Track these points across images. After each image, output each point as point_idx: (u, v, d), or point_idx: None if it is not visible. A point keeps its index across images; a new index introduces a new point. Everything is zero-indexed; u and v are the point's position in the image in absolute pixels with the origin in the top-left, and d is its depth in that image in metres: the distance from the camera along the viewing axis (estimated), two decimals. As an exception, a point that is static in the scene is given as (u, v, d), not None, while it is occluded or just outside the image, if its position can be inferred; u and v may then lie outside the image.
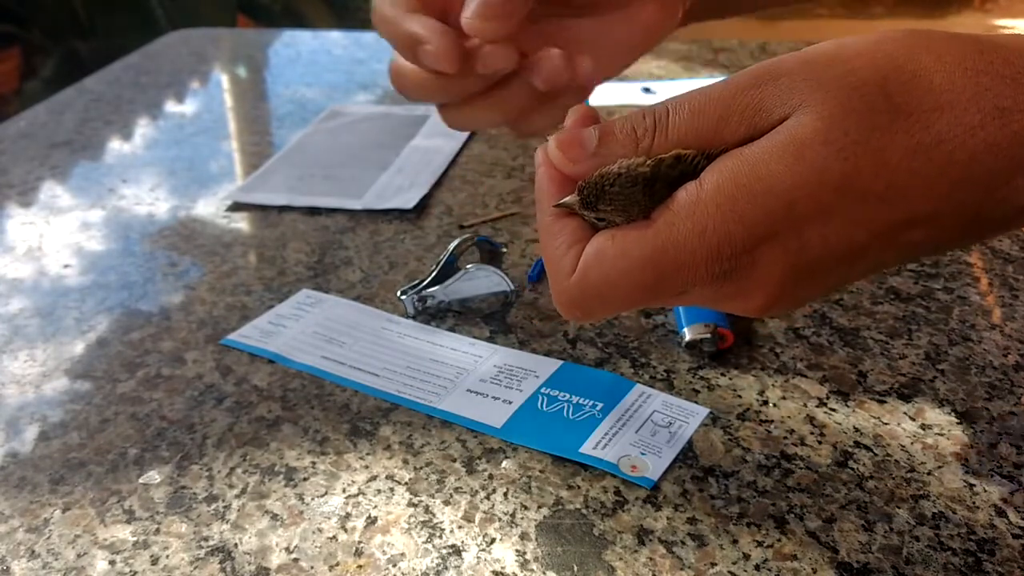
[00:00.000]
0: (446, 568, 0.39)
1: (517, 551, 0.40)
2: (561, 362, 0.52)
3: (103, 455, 0.47)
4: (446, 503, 0.43)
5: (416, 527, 0.41)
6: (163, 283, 0.63)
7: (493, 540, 0.40)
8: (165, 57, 1.17)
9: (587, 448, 0.45)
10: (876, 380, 0.50)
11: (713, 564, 0.39)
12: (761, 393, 0.49)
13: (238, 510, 0.43)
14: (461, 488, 0.43)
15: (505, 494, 0.43)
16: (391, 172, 0.78)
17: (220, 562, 0.40)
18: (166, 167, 0.83)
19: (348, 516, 0.42)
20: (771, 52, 1.06)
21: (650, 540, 0.40)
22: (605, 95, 0.93)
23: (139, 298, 0.61)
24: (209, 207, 0.74)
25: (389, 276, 0.62)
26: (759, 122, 0.31)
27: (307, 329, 0.56)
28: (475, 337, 0.55)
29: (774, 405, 0.48)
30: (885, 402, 0.48)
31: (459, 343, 0.54)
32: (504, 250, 0.62)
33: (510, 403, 0.49)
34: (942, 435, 0.46)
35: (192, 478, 0.45)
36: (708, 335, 0.52)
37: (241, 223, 0.72)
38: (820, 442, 0.46)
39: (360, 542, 0.41)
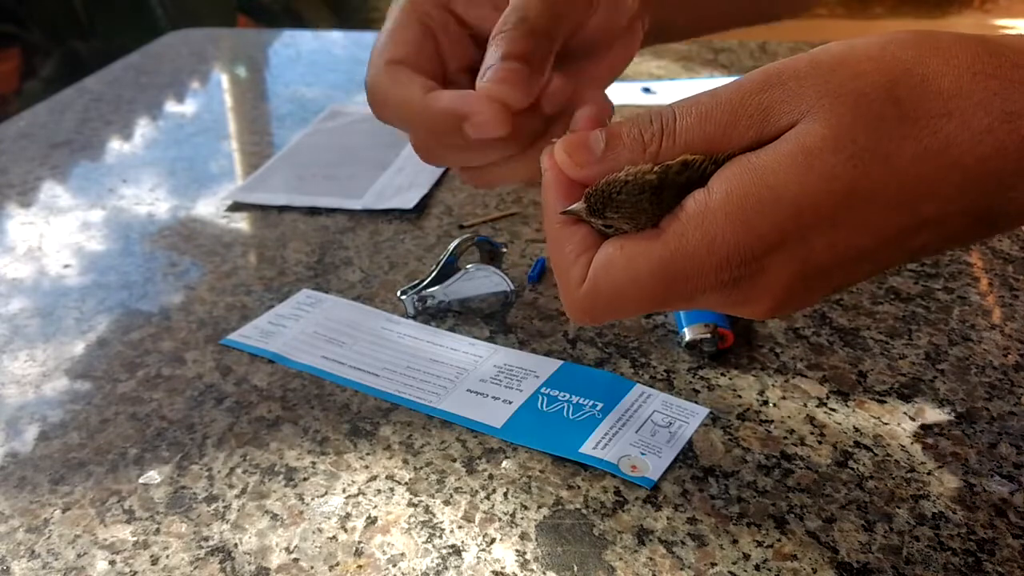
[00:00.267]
0: (446, 568, 0.39)
1: (517, 551, 0.40)
2: (561, 362, 0.52)
3: (103, 455, 0.47)
4: (446, 503, 0.43)
5: (416, 527, 0.41)
6: (163, 283, 0.63)
7: (493, 540, 0.40)
8: (165, 57, 1.17)
9: (587, 448, 0.45)
10: (876, 380, 0.50)
11: (713, 564, 0.39)
12: (761, 393, 0.49)
13: (238, 510, 0.43)
14: (461, 488, 0.43)
15: (505, 494, 0.43)
16: (391, 172, 0.78)
17: (220, 562, 0.40)
18: (166, 167, 0.83)
19: (348, 516, 0.42)
20: (771, 52, 1.06)
21: (650, 540, 0.40)
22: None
23: (139, 298, 0.61)
24: (209, 207, 0.74)
25: (389, 276, 0.62)
26: (767, 127, 0.31)
27: (307, 329, 0.56)
28: (475, 337, 0.55)
29: (774, 405, 0.48)
30: (885, 402, 0.48)
31: (459, 343, 0.54)
32: (504, 250, 0.62)
33: (510, 403, 0.49)
34: (942, 435, 0.46)
35: (192, 478, 0.45)
36: (708, 335, 0.52)
37: (241, 223, 0.72)
38: (820, 442, 0.46)
39: (360, 542, 0.41)
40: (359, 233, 0.68)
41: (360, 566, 0.39)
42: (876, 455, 0.44)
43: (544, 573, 0.39)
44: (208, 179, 0.80)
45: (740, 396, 0.49)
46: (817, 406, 0.48)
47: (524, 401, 0.49)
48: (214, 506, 0.43)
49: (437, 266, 0.58)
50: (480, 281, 0.55)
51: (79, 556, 0.41)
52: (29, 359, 0.55)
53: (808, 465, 0.44)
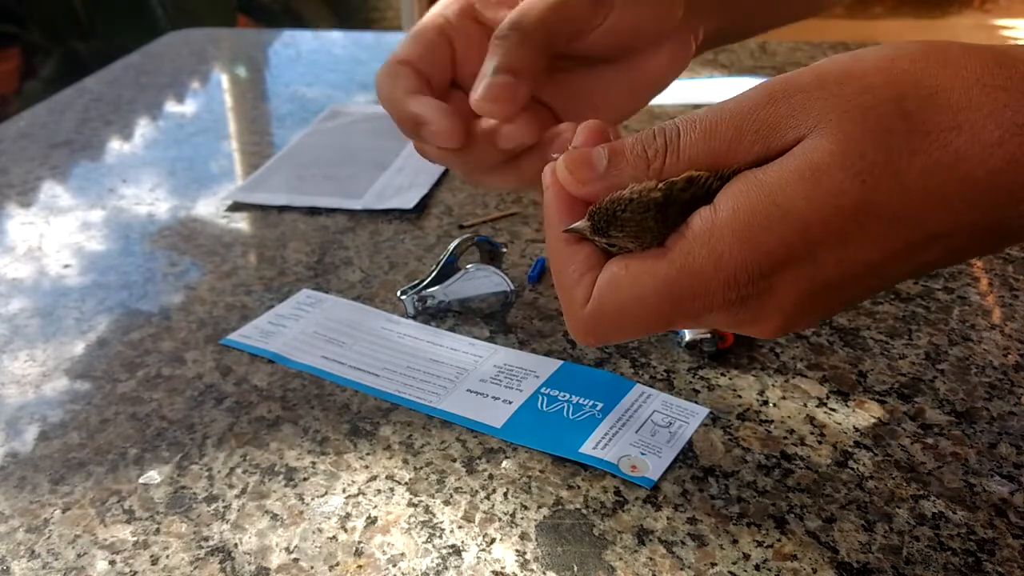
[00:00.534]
0: (446, 568, 0.39)
1: (517, 551, 0.40)
2: (561, 362, 0.52)
3: (103, 455, 0.47)
4: (446, 503, 0.43)
5: (416, 527, 0.41)
6: (163, 283, 0.63)
7: (493, 540, 0.40)
8: (165, 57, 1.17)
9: (587, 448, 0.45)
10: (876, 380, 0.50)
11: (713, 564, 0.39)
12: (761, 393, 0.49)
13: (238, 510, 0.43)
14: (461, 488, 0.43)
15: (505, 494, 0.43)
16: (391, 172, 0.78)
17: (220, 562, 0.40)
18: (166, 167, 0.83)
19: (348, 516, 0.42)
20: (771, 51, 1.06)
21: (650, 540, 0.40)
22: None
23: (139, 298, 0.61)
24: (209, 207, 0.74)
25: (389, 276, 0.62)
26: (773, 142, 0.31)
27: (307, 329, 0.56)
28: (475, 337, 0.55)
29: (774, 405, 0.48)
30: (885, 402, 0.48)
31: (459, 343, 0.54)
32: (504, 250, 0.62)
33: (510, 403, 0.49)
34: (942, 435, 0.46)
35: (192, 478, 0.45)
36: (708, 335, 0.52)
37: (241, 223, 0.72)
38: (820, 442, 0.46)
39: (360, 542, 0.41)
40: (359, 233, 0.68)
41: (360, 566, 0.39)
42: (876, 455, 0.45)
43: (544, 573, 0.39)
44: (208, 179, 0.80)
45: (740, 396, 0.49)
46: (817, 406, 0.48)
47: (524, 401, 0.49)
48: (214, 506, 0.43)
49: (437, 266, 0.58)
50: (480, 281, 0.55)
51: (79, 556, 0.41)
52: (29, 359, 0.55)
53: (808, 465, 0.44)
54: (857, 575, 0.38)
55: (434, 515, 0.42)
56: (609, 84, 0.52)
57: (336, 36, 1.28)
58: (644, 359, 0.52)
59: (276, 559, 0.40)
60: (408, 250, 0.66)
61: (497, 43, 0.43)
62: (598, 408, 0.48)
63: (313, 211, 0.72)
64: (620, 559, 0.39)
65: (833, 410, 0.48)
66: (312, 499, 0.43)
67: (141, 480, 0.45)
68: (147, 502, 0.44)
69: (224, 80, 1.12)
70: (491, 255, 0.61)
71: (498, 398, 0.49)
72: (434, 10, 0.48)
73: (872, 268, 0.31)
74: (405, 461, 0.45)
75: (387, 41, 1.27)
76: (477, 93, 0.42)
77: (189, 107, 1.00)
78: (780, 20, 0.61)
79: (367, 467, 0.45)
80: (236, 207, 0.74)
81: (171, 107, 0.99)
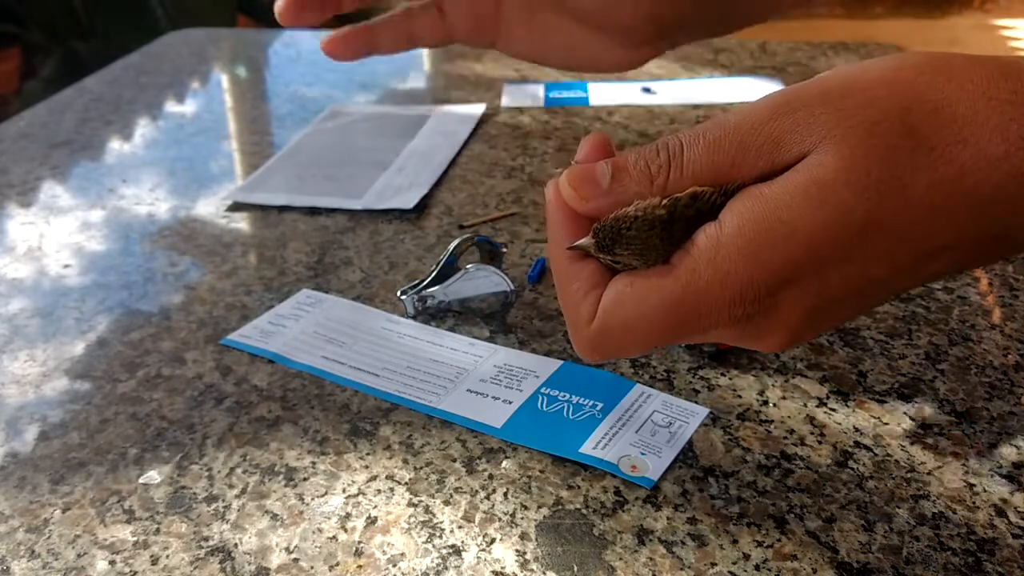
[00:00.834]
0: (446, 568, 0.39)
1: (517, 551, 0.40)
2: (561, 362, 0.52)
3: (103, 455, 0.47)
4: (446, 503, 0.43)
5: (416, 527, 0.41)
6: (163, 283, 0.63)
7: (493, 540, 0.40)
8: (165, 57, 1.17)
9: (587, 448, 0.45)
10: (876, 380, 0.50)
11: (713, 564, 0.39)
12: (761, 393, 0.49)
13: (238, 510, 0.43)
14: (461, 488, 0.43)
15: (505, 494, 0.43)
16: (391, 172, 0.78)
17: (220, 562, 0.40)
18: (166, 167, 0.83)
19: (348, 516, 0.42)
20: (771, 52, 1.06)
21: (650, 540, 0.40)
22: (605, 95, 0.93)
23: (139, 298, 0.61)
24: (209, 207, 0.74)
25: (389, 276, 0.62)
26: (777, 157, 0.31)
27: (307, 329, 0.56)
28: (475, 337, 0.55)
29: (774, 405, 0.48)
30: (885, 402, 0.48)
31: (459, 343, 0.54)
32: (504, 250, 0.62)
33: (510, 403, 0.49)
34: (942, 435, 0.46)
35: (192, 478, 0.45)
36: (708, 335, 0.51)
37: (241, 223, 0.72)
38: (820, 442, 0.46)
39: (360, 542, 0.41)
40: (359, 233, 0.68)
41: (360, 566, 0.39)
42: (876, 455, 0.45)
43: (544, 573, 0.39)
44: (208, 179, 0.80)
45: (740, 396, 0.49)
46: (817, 406, 0.48)
47: (524, 401, 0.49)
48: (214, 506, 0.43)
49: (437, 266, 0.58)
50: (480, 281, 0.55)
51: (79, 556, 0.41)
52: (29, 359, 0.55)
53: (808, 465, 0.44)
54: (857, 575, 0.38)
55: (434, 515, 0.42)
56: (559, 29, 0.52)
57: (336, 36, 1.28)
58: (644, 359, 0.52)
59: (276, 559, 0.40)
60: (408, 250, 0.66)
61: None
62: (598, 408, 0.48)
63: (313, 211, 0.72)
64: (620, 559, 0.39)
65: (833, 410, 0.48)
66: (312, 499, 0.43)
67: (141, 480, 0.45)
68: (147, 502, 0.44)
69: (224, 80, 1.12)
70: (491, 255, 0.61)
71: (498, 398, 0.49)
72: None
73: (878, 282, 0.31)
74: (405, 461, 0.45)
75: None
76: None
77: (189, 107, 1.00)
78: (756, 17, 0.61)
79: (367, 467, 0.45)
80: (236, 207, 0.74)
81: (171, 107, 0.99)
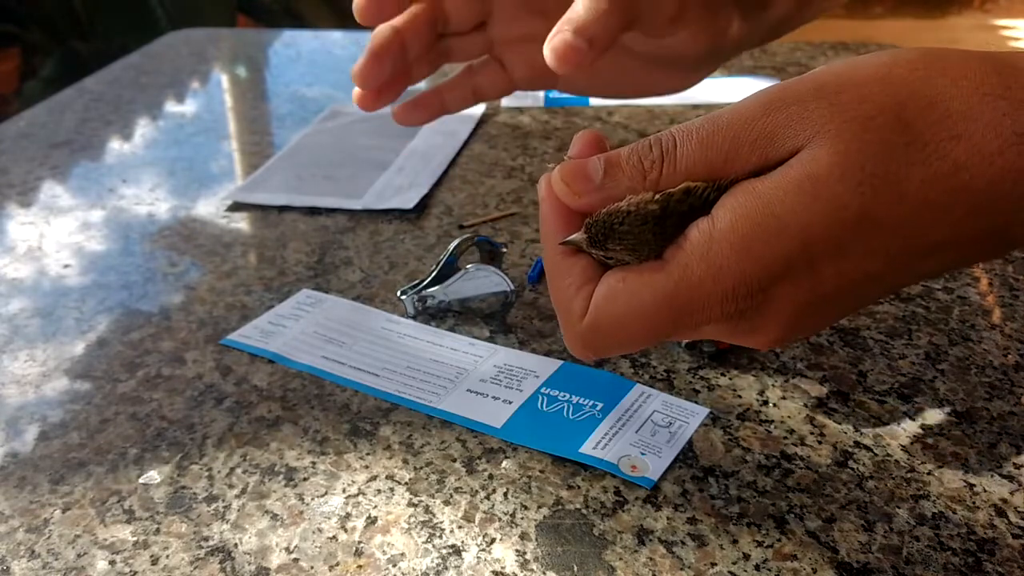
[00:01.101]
0: (446, 568, 0.39)
1: (517, 551, 0.40)
2: (561, 362, 0.52)
3: (103, 455, 0.47)
4: (446, 503, 0.43)
5: (416, 527, 0.41)
6: (163, 283, 0.63)
7: (493, 540, 0.40)
8: (165, 57, 1.17)
9: (587, 448, 0.45)
10: (876, 380, 0.50)
11: (713, 564, 0.39)
12: (761, 393, 0.49)
13: (238, 510, 0.43)
14: (461, 488, 0.43)
15: (505, 494, 0.43)
16: (391, 172, 0.78)
17: (220, 562, 0.40)
18: (166, 167, 0.83)
19: (348, 516, 0.42)
20: (771, 52, 1.06)
21: (650, 540, 0.40)
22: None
23: (139, 298, 0.61)
24: (209, 207, 0.74)
25: (389, 276, 0.62)
26: (771, 152, 0.31)
27: (307, 329, 0.56)
28: (475, 337, 0.55)
29: (774, 405, 0.48)
30: (885, 402, 0.48)
31: (459, 343, 0.54)
32: (504, 250, 0.62)
33: (510, 403, 0.49)
34: (942, 435, 0.46)
35: (192, 478, 0.45)
36: (708, 335, 0.52)
37: (241, 223, 0.72)
38: (820, 442, 0.46)
39: (360, 542, 0.41)
40: (359, 233, 0.68)
41: (360, 566, 0.39)
42: (876, 455, 0.44)
43: (544, 573, 0.39)
44: (208, 179, 0.80)
45: (740, 396, 0.49)
46: (817, 406, 0.48)
47: (524, 401, 0.49)
48: (214, 506, 0.43)
49: (437, 266, 0.58)
50: (480, 281, 0.55)
51: (79, 556, 0.41)
52: (29, 359, 0.55)
53: (808, 465, 0.44)
54: (857, 575, 0.38)
55: (434, 515, 0.42)
56: (626, 69, 0.53)
57: (336, 36, 1.28)
58: (644, 359, 0.52)
59: (276, 559, 0.40)
60: (408, 250, 0.66)
61: (589, 0, 0.46)
62: (598, 408, 0.48)
63: (313, 211, 0.72)
64: (620, 559, 0.39)
65: (833, 410, 0.48)
66: (312, 499, 0.43)
67: (141, 480, 0.45)
68: (147, 502, 0.44)
69: (224, 80, 1.12)
70: (491, 255, 0.61)
71: (498, 398, 0.49)
72: None
73: (873, 278, 0.31)
74: (405, 461, 0.45)
75: (387, 41, 1.26)
76: (549, 44, 0.45)
77: (189, 107, 1.00)
78: (798, 22, 0.62)
79: (367, 467, 0.45)
80: (236, 207, 0.74)
81: (171, 107, 0.99)
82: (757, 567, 0.38)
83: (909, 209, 0.29)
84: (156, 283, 0.63)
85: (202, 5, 2.47)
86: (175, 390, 0.52)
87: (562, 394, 0.49)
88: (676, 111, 0.89)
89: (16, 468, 0.46)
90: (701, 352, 0.52)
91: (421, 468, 0.45)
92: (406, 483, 0.44)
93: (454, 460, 0.45)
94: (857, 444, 0.45)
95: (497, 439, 0.46)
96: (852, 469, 0.44)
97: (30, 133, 0.92)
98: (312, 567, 0.39)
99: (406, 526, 0.41)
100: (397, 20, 0.55)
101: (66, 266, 0.66)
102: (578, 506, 0.42)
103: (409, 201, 0.72)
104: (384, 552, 0.40)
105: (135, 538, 0.42)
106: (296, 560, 0.40)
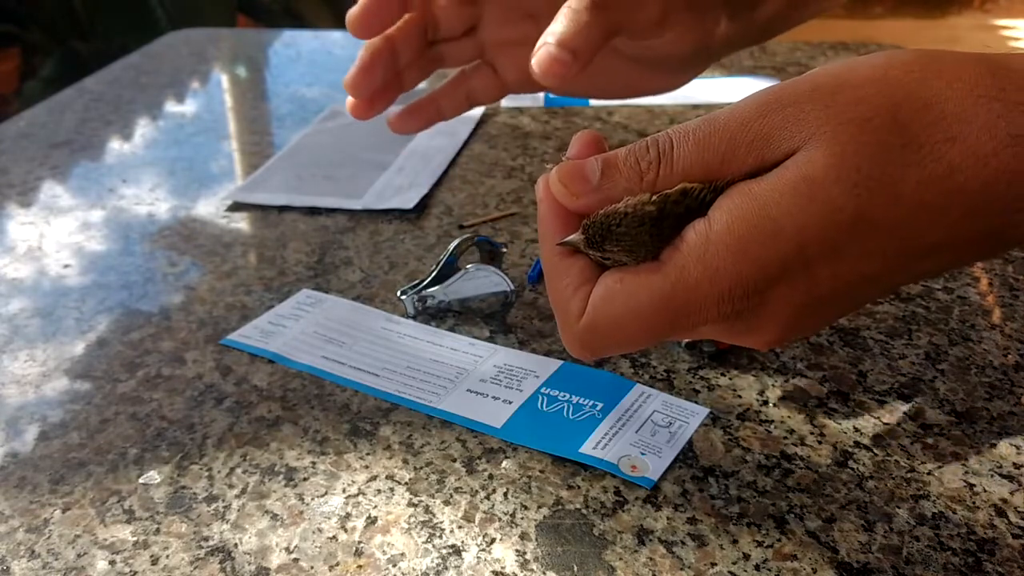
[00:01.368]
0: (446, 568, 0.39)
1: (517, 551, 0.40)
2: (561, 362, 0.52)
3: (103, 455, 0.47)
4: (446, 503, 0.43)
5: (416, 527, 0.41)
6: (163, 283, 0.63)
7: (493, 540, 0.40)
8: (165, 57, 1.17)
9: (587, 448, 0.45)
10: (876, 380, 0.50)
11: (713, 564, 0.39)
12: (761, 393, 0.49)
13: (238, 510, 0.43)
14: (461, 488, 0.43)
15: (505, 494, 0.43)
16: (391, 172, 0.78)
17: (220, 562, 0.40)
18: (166, 167, 0.83)
19: (348, 516, 0.42)
20: (770, 52, 1.06)
21: (650, 540, 0.40)
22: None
23: (139, 298, 0.61)
24: (209, 207, 0.74)
25: (389, 276, 0.62)
26: (767, 154, 0.31)
27: (307, 329, 0.56)
28: (475, 337, 0.55)
29: (774, 405, 0.48)
30: (885, 402, 0.48)
31: (459, 343, 0.54)
32: (504, 250, 0.62)
33: (510, 403, 0.49)
34: (942, 435, 0.46)
35: (192, 478, 0.45)
36: (708, 335, 0.52)
37: (241, 223, 0.72)
38: (820, 442, 0.46)
39: (360, 542, 0.41)
40: (359, 233, 0.68)
41: (360, 566, 0.39)
42: (876, 455, 0.45)
43: (544, 573, 0.39)
44: (208, 179, 0.80)
45: (740, 396, 0.49)
46: (817, 406, 0.48)
47: (524, 401, 0.49)
48: (214, 506, 0.43)
49: (437, 266, 0.58)
50: (480, 281, 0.55)
51: (79, 556, 0.41)
52: (29, 359, 0.55)
53: (808, 465, 0.44)
54: (857, 575, 0.38)
55: (434, 515, 0.42)
56: (616, 71, 0.53)
57: (336, 36, 1.28)
58: (644, 359, 0.52)
59: (276, 559, 0.40)
60: (408, 250, 0.66)
61: (571, 12, 0.46)
62: (598, 408, 0.48)
63: (313, 211, 0.72)
64: (620, 559, 0.39)
65: (833, 410, 0.48)
66: (312, 499, 0.43)
67: (141, 480, 0.45)
68: (147, 502, 0.44)
69: (224, 80, 1.12)
70: (491, 255, 0.61)
71: (498, 398, 0.49)
72: None
73: (869, 279, 0.31)
74: (405, 461, 0.45)
75: (387, 41, 1.26)
76: (535, 58, 0.45)
77: (189, 107, 1.00)
78: (793, 21, 0.62)
79: (367, 467, 0.45)
80: (236, 207, 0.74)
81: (171, 107, 0.99)
82: (757, 567, 0.38)
83: (905, 211, 0.29)
84: (156, 283, 0.63)
85: (202, 5, 2.47)
86: (175, 390, 0.52)
87: (562, 394, 0.49)
88: (676, 111, 0.89)
89: (16, 468, 0.46)
90: (701, 352, 0.52)
91: (421, 468, 0.45)
92: (406, 483, 0.44)
93: (454, 460, 0.45)
94: (857, 444, 0.45)
95: (497, 439, 0.46)
96: (852, 469, 0.44)
97: (30, 133, 0.92)
98: (312, 567, 0.39)
99: (406, 526, 0.41)
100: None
101: (66, 266, 0.66)
102: (578, 506, 0.42)
103: (409, 201, 0.72)
104: (384, 552, 0.40)
105: (135, 538, 0.42)
106: (296, 560, 0.40)
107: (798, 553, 0.39)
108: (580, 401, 0.48)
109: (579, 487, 0.43)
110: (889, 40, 1.24)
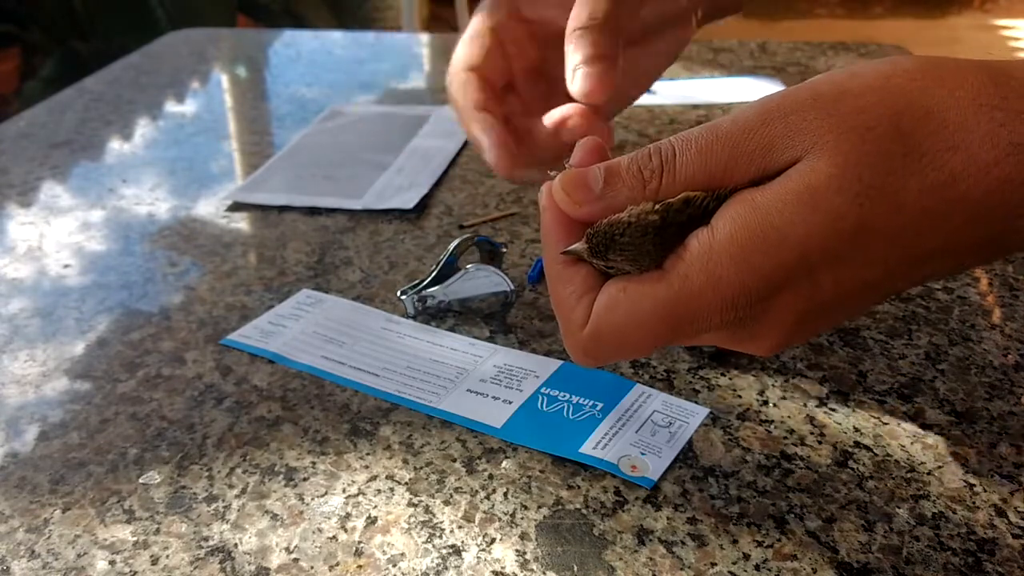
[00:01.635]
0: (446, 568, 0.39)
1: (517, 551, 0.40)
2: (561, 362, 0.52)
3: (103, 455, 0.47)
4: (446, 503, 0.43)
5: (416, 527, 0.41)
6: (163, 283, 0.63)
7: (493, 540, 0.40)
8: (165, 57, 1.17)
9: (587, 448, 0.45)
10: (876, 380, 0.50)
11: (713, 564, 0.39)
12: (761, 393, 0.49)
13: (238, 510, 0.43)
14: (461, 488, 0.43)
15: (505, 494, 0.43)
16: (391, 172, 0.78)
17: (220, 562, 0.40)
18: (166, 167, 0.83)
19: (348, 516, 0.42)
20: (771, 52, 1.06)
21: (650, 540, 0.40)
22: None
23: (139, 298, 0.61)
24: (209, 207, 0.74)
25: (389, 276, 0.62)
26: (769, 162, 0.31)
27: (307, 329, 0.56)
28: (475, 337, 0.55)
29: (774, 405, 0.48)
30: (885, 402, 0.48)
31: (459, 343, 0.54)
32: (504, 250, 0.62)
33: (510, 403, 0.49)
34: (942, 435, 0.46)
35: (192, 478, 0.45)
36: (708, 335, 0.52)
37: (241, 223, 0.72)
38: (820, 442, 0.46)
39: (360, 542, 0.41)
40: (359, 233, 0.68)
41: (360, 566, 0.39)
42: (876, 455, 0.45)
43: (544, 573, 0.39)
44: (208, 179, 0.80)
45: (740, 396, 0.49)
46: (817, 406, 0.48)
47: (524, 401, 0.49)
48: (214, 506, 0.43)
49: (437, 266, 0.58)
50: (480, 281, 0.55)
51: (79, 556, 0.41)
52: (29, 359, 0.55)
53: (808, 465, 0.44)
54: (857, 575, 0.38)
55: (434, 515, 0.42)
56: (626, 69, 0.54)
57: (336, 36, 1.28)
58: (644, 359, 0.52)
59: (276, 559, 0.40)
60: (408, 250, 0.66)
61: (580, 34, 0.47)
62: (598, 408, 0.48)
63: (313, 211, 0.72)
64: (620, 559, 0.39)
65: (833, 410, 0.48)
66: (312, 499, 0.43)
67: (141, 480, 0.45)
68: (147, 502, 0.44)
69: (224, 80, 1.12)
70: (491, 255, 0.61)
71: (498, 398, 0.49)
72: (483, 12, 0.53)
73: (871, 286, 0.31)
74: (405, 461, 0.45)
75: (387, 41, 1.27)
76: (577, 85, 0.47)
77: (189, 107, 1.00)
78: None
79: (367, 467, 0.45)
80: (236, 207, 0.74)
81: (171, 107, 0.99)
82: (757, 567, 0.38)
83: (907, 219, 0.30)
84: (156, 283, 0.63)
85: (202, 5, 2.47)
86: (175, 390, 0.52)
87: (562, 394, 0.49)
88: (676, 111, 0.89)
89: (16, 468, 0.46)
90: (701, 352, 0.52)
91: (421, 468, 0.45)
92: (406, 483, 0.44)
93: (454, 460, 0.45)
94: (857, 444, 0.45)
95: (497, 439, 0.46)
96: (852, 469, 0.44)
97: (30, 133, 0.92)
98: (312, 567, 0.39)
99: (406, 526, 0.41)
100: (487, 103, 0.52)
101: (66, 266, 0.66)
102: (578, 506, 0.42)
103: (409, 201, 0.72)
104: (384, 552, 0.40)
105: (135, 538, 0.42)
106: (296, 560, 0.40)
107: (798, 553, 0.39)
108: (580, 401, 0.48)
109: (579, 487, 0.43)
110: (889, 40, 1.24)
